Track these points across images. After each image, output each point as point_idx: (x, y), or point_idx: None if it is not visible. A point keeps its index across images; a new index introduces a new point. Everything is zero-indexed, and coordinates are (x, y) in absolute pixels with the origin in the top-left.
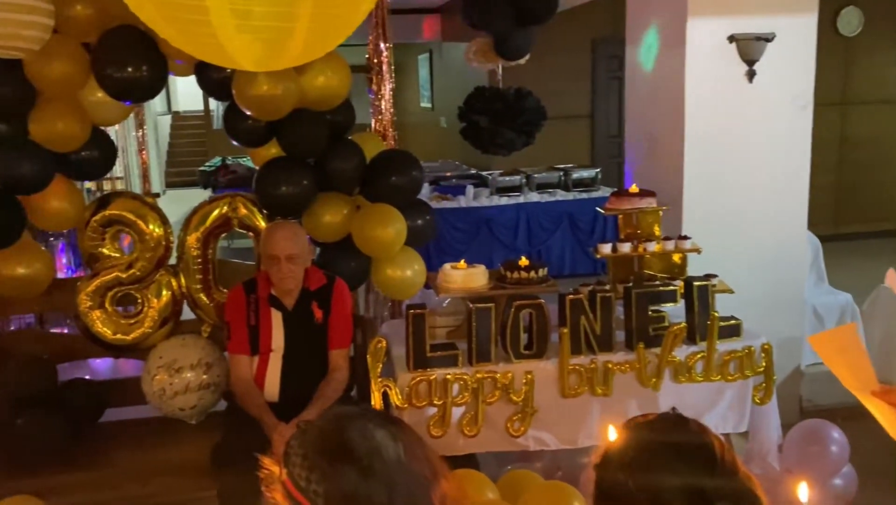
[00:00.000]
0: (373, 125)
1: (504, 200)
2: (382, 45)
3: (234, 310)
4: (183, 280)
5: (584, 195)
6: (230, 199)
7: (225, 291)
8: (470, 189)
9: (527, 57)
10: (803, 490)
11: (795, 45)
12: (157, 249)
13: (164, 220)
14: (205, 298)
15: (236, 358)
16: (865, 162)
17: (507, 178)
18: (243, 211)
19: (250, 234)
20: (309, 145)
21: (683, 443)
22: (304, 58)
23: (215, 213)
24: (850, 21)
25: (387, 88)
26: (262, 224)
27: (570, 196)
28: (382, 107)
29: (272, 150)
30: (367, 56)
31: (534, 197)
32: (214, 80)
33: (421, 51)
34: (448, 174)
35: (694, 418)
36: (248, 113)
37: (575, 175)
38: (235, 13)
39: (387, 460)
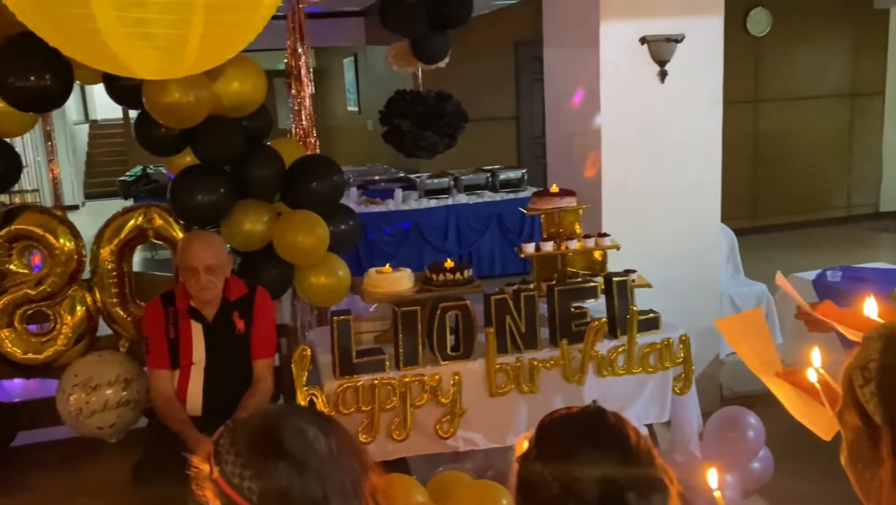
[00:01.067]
0: (293, 130)
1: (433, 203)
2: (300, 49)
3: (152, 323)
4: (98, 295)
5: (512, 196)
6: (145, 210)
7: (142, 304)
8: (398, 192)
9: (446, 60)
10: (713, 476)
11: (704, 46)
12: (68, 264)
13: (74, 234)
14: (121, 313)
15: (156, 372)
16: (778, 156)
17: (436, 181)
18: (159, 222)
19: (166, 245)
20: (224, 153)
21: (599, 434)
22: (202, 65)
23: (130, 224)
24: (759, 21)
25: (306, 93)
26: (179, 235)
27: (498, 197)
28: (302, 112)
29: (187, 158)
30: (285, 61)
31: (462, 199)
32: (123, 87)
33: (346, 54)
34: (376, 178)
35: (614, 411)
36: (160, 122)
37: (502, 176)
38: (124, 21)
39: (320, 456)
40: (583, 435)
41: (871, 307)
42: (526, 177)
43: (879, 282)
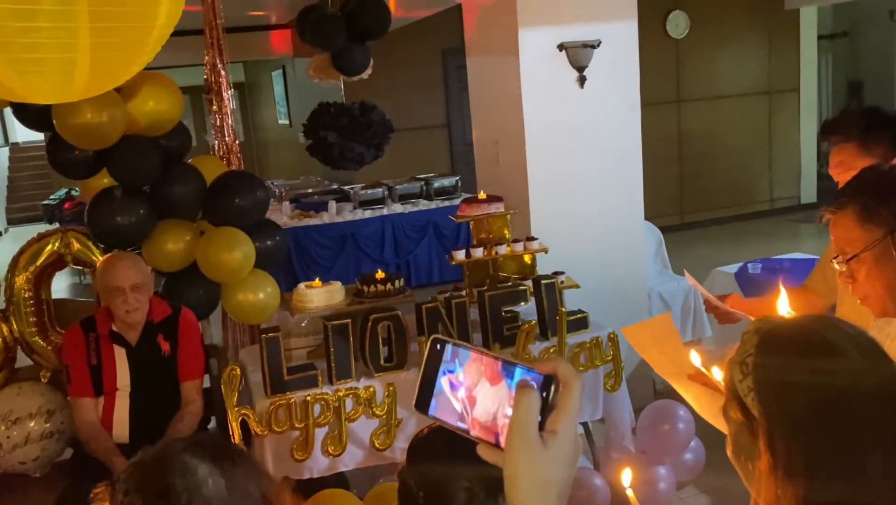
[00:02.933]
0: (215, 147)
1: (368, 214)
2: (220, 64)
3: (73, 351)
4: (14, 325)
5: (447, 203)
6: (61, 235)
7: (62, 332)
8: (332, 204)
9: (369, 72)
10: (626, 476)
11: (620, 50)
12: None
13: None
14: (41, 342)
15: (79, 401)
16: (702, 154)
17: (370, 191)
18: (77, 246)
19: (87, 269)
20: (142, 173)
21: (463, 446)
22: (97, 87)
23: (47, 249)
24: (678, 24)
25: (228, 109)
26: (98, 259)
27: (433, 205)
28: (224, 128)
29: (104, 180)
30: (204, 77)
31: (397, 208)
32: (31, 110)
33: (274, 67)
34: (309, 190)
35: None
36: (73, 143)
37: (436, 184)
38: (6, 48)
39: (206, 496)
40: (448, 448)
41: (783, 303)
42: (460, 184)
43: (795, 271)
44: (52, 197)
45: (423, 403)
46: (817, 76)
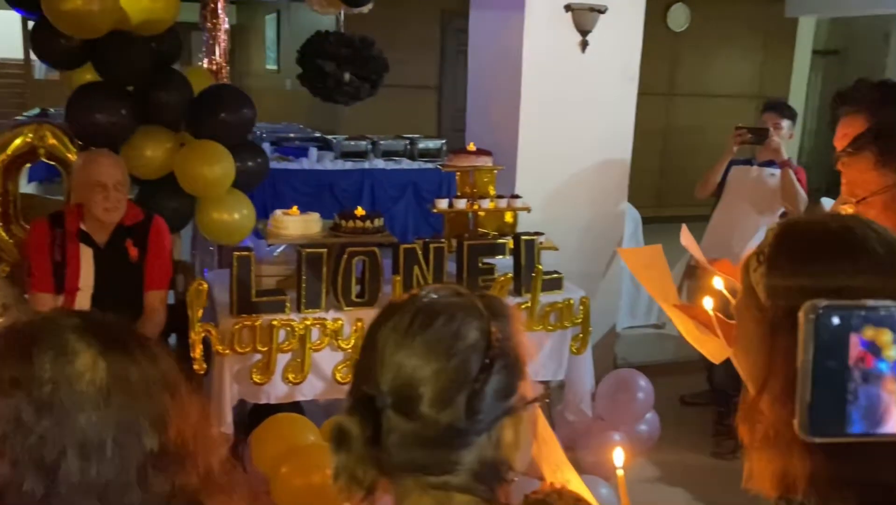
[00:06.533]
0: (205, 65)
1: (349, 165)
2: None
3: (37, 244)
4: None
5: (430, 165)
6: (36, 127)
7: (27, 226)
8: (313, 151)
9: (370, 6)
10: (618, 455)
11: (625, 19)
12: None
13: None
14: (3, 234)
15: (38, 297)
16: (686, 150)
17: (353, 143)
18: (51, 141)
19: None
20: (129, 71)
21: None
22: None
23: (18, 141)
24: (679, 17)
25: (222, 26)
26: (73, 157)
27: (416, 165)
28: (216, 46)
29: (87, 75)
30: None
31: (379, 164)
32: None
33: (268, 10)
34: (291, 135)
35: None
36: (60, 29)
37: (421, 145)
38: None
39: (75, 398)
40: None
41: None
42: (445, 148)
43: None
44: (25, 114)
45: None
46: (807, 88)
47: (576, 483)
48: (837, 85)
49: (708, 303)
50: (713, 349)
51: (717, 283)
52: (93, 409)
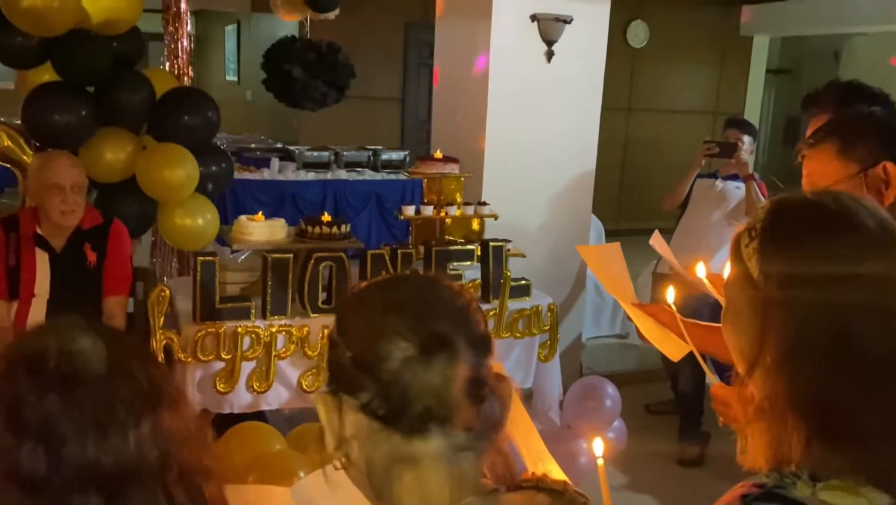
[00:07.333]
0: (167, 69)
1: (311, 176)
2: None
3: None
4: None
5: (393, 176)
6: None
7: None
8: (275, 161)
9: (336, 12)
10: (598, 445)
11: (591, 29)
12: None
13: None
14: None
15: None
16: (645, 164)
17: (315, 154)
18: (6, 142)
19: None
20: (89, 70)
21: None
22: None
23: None
24: (638, 34)
25: (184, 30)
26: (29, 158)
27: (379, 176)
28: (179, 50)
29: (45, 75)
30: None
31: (342, 175)
32: None
33: (228, 21)
34: (252, 146)
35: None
36: (18, 26)
37: (384, 156)
38: None
39: (82, 367)
40: (382, 304)
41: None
42: (408, 159)
43: None
44: None
45: None
46: (761, 107)
47: (557, 474)
48: (789, 102)
49: (701, 270)
50: (673, 348)
51: (670, 295)
52: (94, 387)
